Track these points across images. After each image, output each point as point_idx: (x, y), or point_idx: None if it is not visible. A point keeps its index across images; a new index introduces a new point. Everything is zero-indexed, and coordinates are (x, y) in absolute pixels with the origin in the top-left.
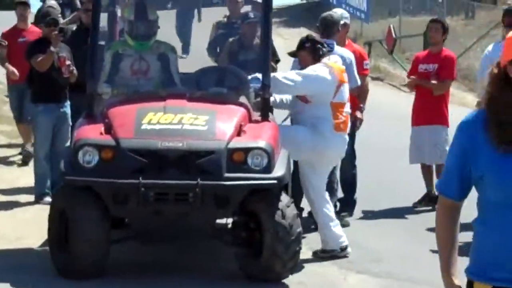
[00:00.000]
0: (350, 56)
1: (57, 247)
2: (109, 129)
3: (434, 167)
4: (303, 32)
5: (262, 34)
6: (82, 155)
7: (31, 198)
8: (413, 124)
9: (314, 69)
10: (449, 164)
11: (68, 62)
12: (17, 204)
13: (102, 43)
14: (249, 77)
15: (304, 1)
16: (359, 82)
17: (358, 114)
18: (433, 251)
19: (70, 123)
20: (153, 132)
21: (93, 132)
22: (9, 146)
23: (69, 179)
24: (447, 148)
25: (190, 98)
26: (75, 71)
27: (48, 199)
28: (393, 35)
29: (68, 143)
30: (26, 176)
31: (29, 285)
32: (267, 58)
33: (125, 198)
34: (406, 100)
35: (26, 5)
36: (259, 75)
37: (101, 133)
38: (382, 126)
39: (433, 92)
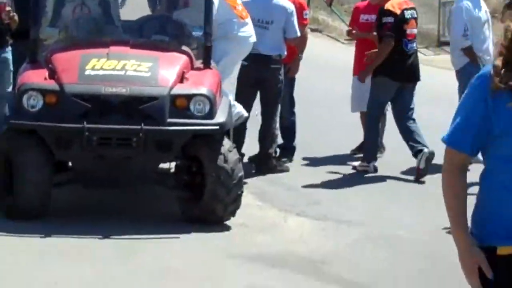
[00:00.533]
0: (290, 6)
1: (2, 190)
2: (53, 74)
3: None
4: None
5: None
6: (26, 100)
7: None
8: (354, 73)
9: None
10: (463, 116)
11: (8, 8)
12: None
13: None
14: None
15: None
16: (298, 34)
17: (295, 64)
18: (366, 195)
19: (12, 69)
20: (97, 77)
21: (37, 77)
22: None
23: (13, 123)
24: None
25: (133, 45)
26: (15, 17)
27: None
28: None
29: (10, 88)
30: None
31: None
32: (208, 6)
33: (69, 142)
34: (344, 51)
35: None
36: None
37: (45, 78)
38: (320, 77)
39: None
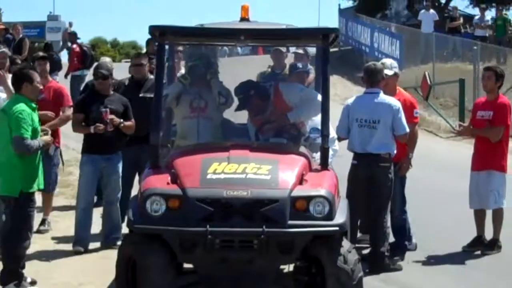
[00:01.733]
0: (396, 103)
1: None
2: (175, 179)
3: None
4: (336, 79)
5: (321, 85)
6: (150, 204)
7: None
8: (472, 169)
9: None
10: None
11: (110, 116)
12: (71, 253)
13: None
14: (309, 127)
15: (336, 49)
16: (407, 130)
17: (405, 162)
18: None
19: (120, 174)
20: (219, 181)
21: (160, 182)
22: None
23: (138, 227)
24: (503, 193)
25: (253, 148)
26: (123, 123)
27: (79, 248)
28: (428, 81)
29: (119, 194)
30: None
31: None
32: (326, 109)
33: (192, 245)
34: (444, 146)
35: (46, 59)
36: (318, 126)
37: (167, 183)
38: (423, 172)
39: (490, 139)
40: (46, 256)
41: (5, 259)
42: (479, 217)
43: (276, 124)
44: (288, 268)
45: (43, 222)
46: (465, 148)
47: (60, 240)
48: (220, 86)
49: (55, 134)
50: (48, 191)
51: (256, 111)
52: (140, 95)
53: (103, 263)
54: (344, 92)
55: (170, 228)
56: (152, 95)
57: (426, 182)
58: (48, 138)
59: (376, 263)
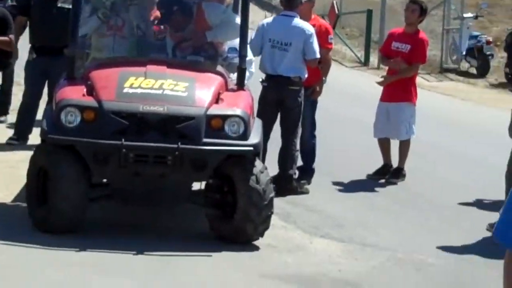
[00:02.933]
0: (310, 29)
1: (35, 202)
2: (91, 91)
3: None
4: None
5: (241, 7)
6: (65, 115)
7: None
8: (381, 99)
9: None
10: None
11: None
12: None
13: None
14: (227, 47)
15: None
16: (317, 55)
17: (317, 87)
18: (387, 219)
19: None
20: (135, 95)
21: (75, 93)
22: None
23: (52, 138)
24: (413, 125)
25: (170, 64)
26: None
27: None
28: (336, 10)
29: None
30: None
31: (8, 237)
32: (245, 30)
33: (106, 158)
34: (348, 75)
35: None
36: (237, 46)
37: (83, 95)
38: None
39: (402, 74)
40: None
41: None
42: (384, 146)
43: (194, 42)
44: (200, 185)
45: None
46: (369, 79)
47: None
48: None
49: None
50: None
51: (176, 27)
52: (58, 4)
53: (9, 172)
54: (251, 16)
55: (84, 139)
56: (70, 6)
57: (331, 110)
58: None
59: (284, 186)
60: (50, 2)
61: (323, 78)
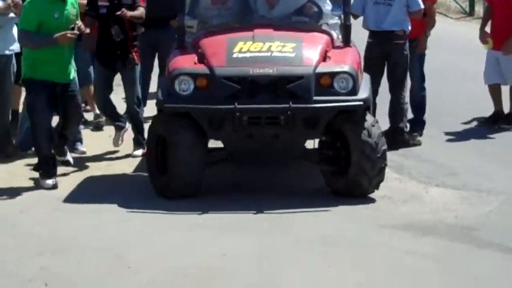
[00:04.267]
0: None
1: (156, 170)
2: (202, 59)
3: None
4: None
5: None
6: (178, 84)
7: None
8: (493, 47)
9: None
10: None
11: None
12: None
13: None
14: (331, 5)
15: None
16: (421, 6)
17: (423, 39)
18: (503, 165)
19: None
20: (245, 59)
21: (187, 62)
22: None
23: (167, 106)
24: None
25: (276, 27)
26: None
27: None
28: None
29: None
30: None
31: (134, 205)
32: None
33: (220, 122)
34: (453, 28)
35: None
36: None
37: (194, 63)
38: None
39: None
40: None
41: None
42: (495, 92)
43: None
44: (313, 143)
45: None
46: (475, 29)
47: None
48: None
49: None
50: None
51: None
52: None
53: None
54: None
55: (199, 106)
56: None
57: (439, 62)
58: (70, 33)
59: (396, 138)
60: None
61: (427, 31)
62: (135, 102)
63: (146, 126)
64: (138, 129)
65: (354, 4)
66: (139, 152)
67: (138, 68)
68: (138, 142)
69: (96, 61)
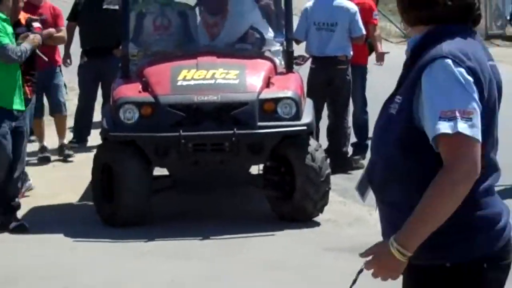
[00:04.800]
0: (353, 7)
1: (101, 199)
2: (146, 87)
3: None
4: None
5: None
6: (123, 112)
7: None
8: None
9: None
10: None
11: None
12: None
13: (116, 7)
14: (272, 32)
15: None
16: (363, 31)
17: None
18: None
19: None
20: (189, 87)
21: (131, 90)
22: None
23: (113, 135)
24: None
25: (219, 54)
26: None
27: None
28: None
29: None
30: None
31: (80, 234)
32: (289, 14)
33: (165, 150)
34: (394, 50)
35: None
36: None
37: (139, 91)
38: (377, 76)
39: None
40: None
41: None
42: None
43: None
44: (258, 169)
45: (61, 147)
46: None
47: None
48: None
49: (53, 52)
50: (55, 113)
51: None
52: (104, 6)
53: (75, 175)
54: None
55: (144, 134)
56: (115, 7)
57: (380, 87)
58: (33, 37)
59: (339, 163)
60: (96, 5)
61: (380, 48)
62: None
63: (90, 155)
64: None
65: (297, 30)
66: None
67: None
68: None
69: None
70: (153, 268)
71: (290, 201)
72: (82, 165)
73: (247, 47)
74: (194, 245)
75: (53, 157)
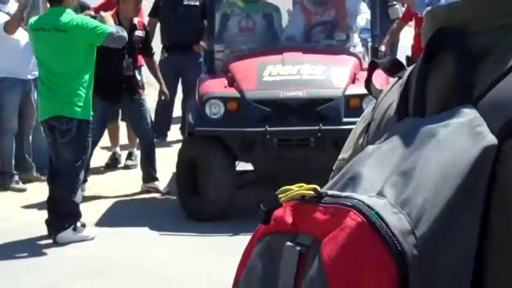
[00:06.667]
0: None
1: (186, 193)
2: (232, 83)
3: None
4: None
5: None
6: (209, 108)
7: None
8: None
9: None
10: None
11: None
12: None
13: (197, 3)
14: (359, 28)
15: None
16: None
17: None
18: None
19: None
20: (275, 83)
21: (217, 86)
22: None
23: (199, 130)
24: None
25: (305, 50)
26: None
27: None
28: None
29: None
30: None
31: (165, 228)
32: (375, 9)
33: (251, 145)
34: None
35: None
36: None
37: (225, 87)
38: None
39: None
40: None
41: (67, 199)
42: None
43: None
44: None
45: (129, 155)
46: None
47: None
48: None
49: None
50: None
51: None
52: (185, 2)
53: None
54: None
55: (229, 129)
56: (196, 3)
57: None
58: (105, 15)
59: None
60: (177, 1)
61: None
62: (150, 134)
63: (169, 150)
64: (151, 163)
65: None
66: (162, 186)
67: (146, 99)
68: (152, 177)
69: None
70: (235, 263)
71: None
72: (163, 160)
73: (332, 43)
74: None
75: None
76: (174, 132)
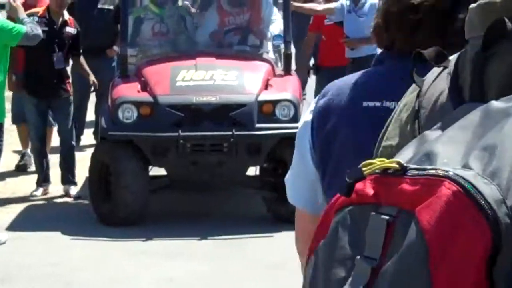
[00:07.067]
0: None
1: (99, 197)
2: (145, 87)
3: None
4: None
5: None
6: (122, 112)
7: None
8: None
9: None
10: None
11: None
12: None
13: (111, 7)
14: (272, 34)
15: None
16: None
17: None
18: None
19: None
20: (188, 88)
21: (130, 90)
22: None
23: (111, 134)
24: None
25: (218, 56)
26: None
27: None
28: None
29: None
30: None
31: (77, 232)
32: (287, 16)
33: (164, 150)
34: None
35: None
36: (281, 32)
37: (138, 91)
38: None
39: None
40: None
41: None
42: None
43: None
44: (255, 170)
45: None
46: None
47: None
48: None
49: None
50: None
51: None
52: (98, 6)
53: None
54: None
55: (142, 134)
56: (110, 7)
57: None
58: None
59: None
60: (91, 4)
61: None
62: (70, 136)
63: (83, 154)
64: (69, 166)
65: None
66: (74, 191)
67: (71, 99)
68: (68, 181)
69: (25, 95)
70: (150, 267)
71: (286, 203)
72: (77, 164)
73: (245, 49)
74: (191, 245)
75: None
76: (88, 137)
